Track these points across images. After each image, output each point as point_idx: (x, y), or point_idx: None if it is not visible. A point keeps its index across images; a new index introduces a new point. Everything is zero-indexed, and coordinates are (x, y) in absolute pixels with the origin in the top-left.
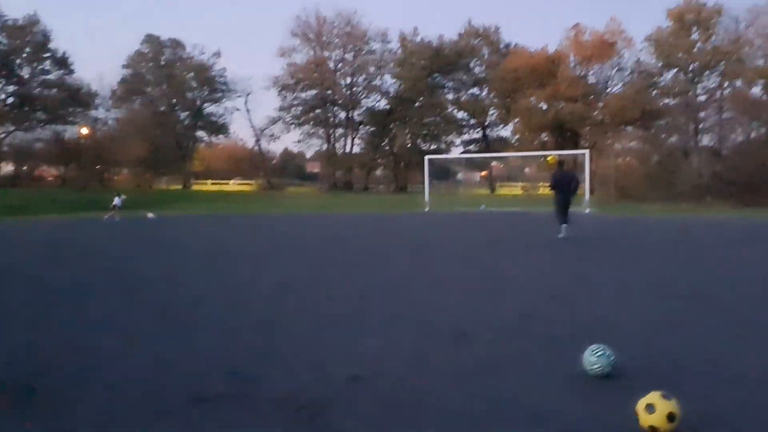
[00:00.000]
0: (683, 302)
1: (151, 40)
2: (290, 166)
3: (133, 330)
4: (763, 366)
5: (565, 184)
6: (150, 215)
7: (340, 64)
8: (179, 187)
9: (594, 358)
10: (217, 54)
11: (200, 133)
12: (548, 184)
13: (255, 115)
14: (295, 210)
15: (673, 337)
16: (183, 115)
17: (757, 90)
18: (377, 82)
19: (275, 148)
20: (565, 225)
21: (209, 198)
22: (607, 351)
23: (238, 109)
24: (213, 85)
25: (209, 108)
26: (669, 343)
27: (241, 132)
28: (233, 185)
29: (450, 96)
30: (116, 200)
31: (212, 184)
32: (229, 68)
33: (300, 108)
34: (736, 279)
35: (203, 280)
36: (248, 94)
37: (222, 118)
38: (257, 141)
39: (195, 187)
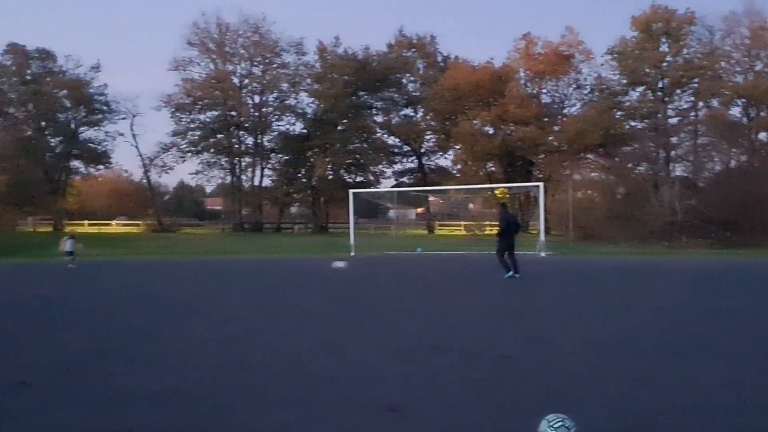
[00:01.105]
0: (651, 360)
1: (14, 50)
2: (186, 203)
3: None
4: None
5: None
6: None
7: (246, 80)
8: (49, 229)
9: (551, 430)
10: (96, 67)
11: (75, 163)
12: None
13: (143, 142)
14: (193, 255)
15: (640, 400)
16: (54, 141)
17: (736, 111)
18: (291, 101)
19: (168, 180)
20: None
21: (88, 241)
22: (567, 422)
23: (122, 134)
24: (91, 104)
25: (86, 133)
26: (636, 407)
27: (126, 162)
28: (116, 226)
29: (379, 118)
30: None
31: (90, 225)
32: (111, 85)
33: (198, 132)
34: (713, 330)
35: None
36: (134, 116)
37: (102, 144)
38: (146, 172)
39: (68, 229)
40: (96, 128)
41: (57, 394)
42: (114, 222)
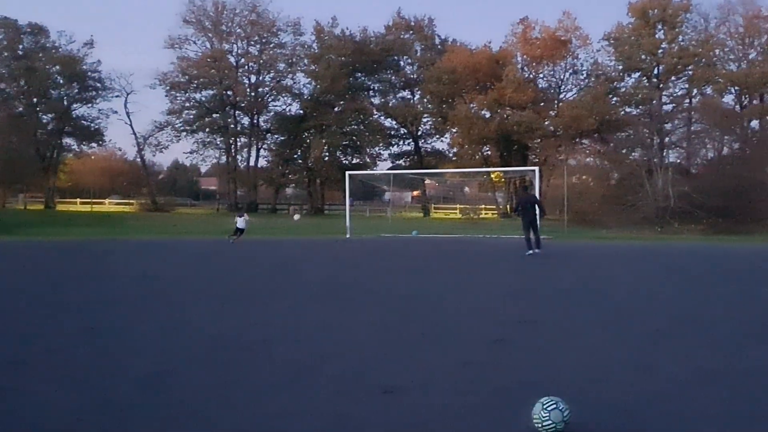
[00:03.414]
0: (646, 343)
1: (5, 24)
2: (181, 183)
3: None
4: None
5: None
6: None
7: (242, 59)
8: (40, 207)
9: (545, 413)
10: (90, 44)
11: (68, 141)
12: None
13: (137, 120)
14: (187, 235)
15: (634, 383)
16: (46, 118)
17: (729, 99)
18: (288, 81)
19: (162, 160)
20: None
21: (80, 220)
22: (560, 404)
23: (115, 112)
24: (84, 81)
25: (79, 110)
26: (630, 392)
27: (120, 140)
28: (109, 205)
29: (376, 100)
30: None
31: (82, 203)
32: (105, 61)
33: (193, 111)
34: (705, 317)
35: None
36: (129, 94)
37: (96, 122)
38: (140, 151)
39: (60, 207)
40: (89, 105)
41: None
42: (107, 201)
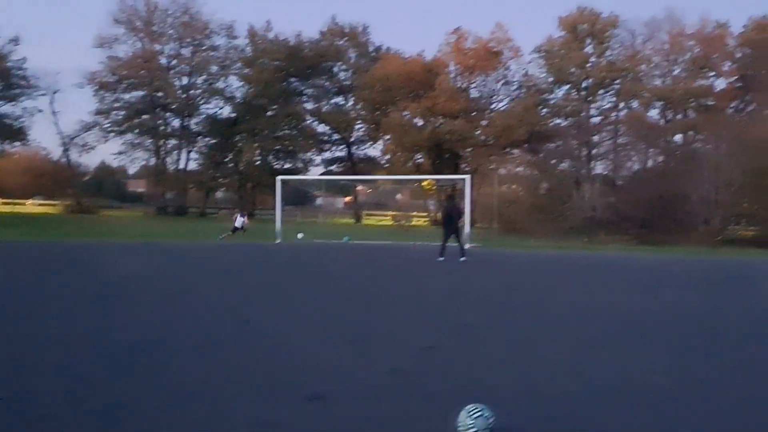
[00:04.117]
0: (571, 350)
1: None
2: (108, 184)
3: None
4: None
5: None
6: None
7: (174, 61)
8: None
9: (470, 420)
10: (15, 40)
11: None
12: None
13: (63, 119)
14: (114, 237)
15: (562, 389)
16: None
17: (654, 113)
18: (220, 84)
19: (89, 161)
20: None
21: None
22: (485, 411)
23: (41, 111)
24: (8, 79)
25: (3, 108)
26: (557, 399)
27: (45, 139)
28: (32, 206)
29: (309, 105)
30: None
31: (4, 203)
32: (31, 59)
33: (122, 112)
34: (627, 325)
35: None
36: (55, 93)
37: (19, 120)
38: (65, 151)
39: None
40: (13, 104)
41: None
42: (29, 201)
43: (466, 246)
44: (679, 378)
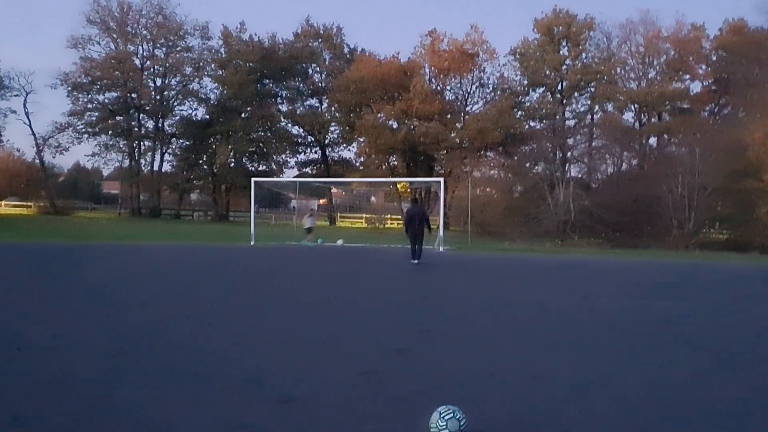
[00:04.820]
0: (541, 353)
1: None
2: (82, 186)
3: None
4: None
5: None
6: None
7: (148, 62)
8: None
9: (442, 422)
10: None
11: None
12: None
13: (37, 121)
14: (87, 239)
15: (532, 392)
16: None
17: (629, 116)
18: (195, 85)
19: (63, 162)
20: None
21: None
22: (457, 413)
23: (14, 112)
24: None
25: None
26: (525, 400)
27: (18, 140)
28: (6, 207)
29: (283, 107)
30: None
31: None
32: (4, 60)
33: (96, 113)
34: (597, 326)
35: None
36: (28, 94)
37: None
38: (39, 152)
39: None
40: None
41: None
42: (3, 203)
43: (441, 249)
44: (640, 377)
